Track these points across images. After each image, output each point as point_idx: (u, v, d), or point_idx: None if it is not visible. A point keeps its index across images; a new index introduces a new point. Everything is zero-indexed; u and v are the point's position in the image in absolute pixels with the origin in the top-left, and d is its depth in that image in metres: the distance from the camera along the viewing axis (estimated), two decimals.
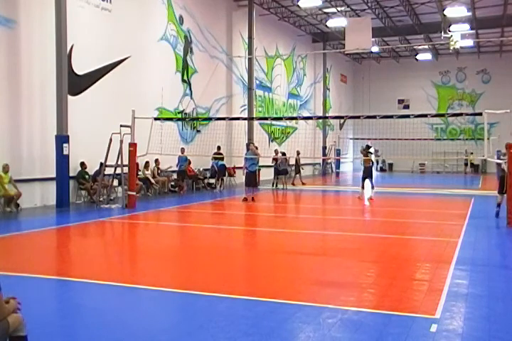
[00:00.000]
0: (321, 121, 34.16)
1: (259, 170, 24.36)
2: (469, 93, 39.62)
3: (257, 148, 17.25)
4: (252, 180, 16.48)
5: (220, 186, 20.36)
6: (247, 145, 19.61)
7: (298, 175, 23.50)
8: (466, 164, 36.76)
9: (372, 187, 17.03)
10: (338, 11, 26.30)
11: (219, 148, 20.60)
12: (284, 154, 21.71)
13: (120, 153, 13.92)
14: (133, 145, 14.11)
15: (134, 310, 5.28)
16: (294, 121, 30.40)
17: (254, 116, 24.26)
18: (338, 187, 24.21)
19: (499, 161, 13.16)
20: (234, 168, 22.45)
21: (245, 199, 15.98)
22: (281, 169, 21.04)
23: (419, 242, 9.47)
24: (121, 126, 13.89)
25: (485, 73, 39.01)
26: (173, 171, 19.12)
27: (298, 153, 23.63)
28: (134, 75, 17.51)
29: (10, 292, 3.53)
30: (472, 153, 29.79)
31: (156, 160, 17.99)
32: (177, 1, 19.98)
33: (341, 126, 38.17)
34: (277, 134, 29.26)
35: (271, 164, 22.31)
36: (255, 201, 16.03)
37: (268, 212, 14.65)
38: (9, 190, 12.73)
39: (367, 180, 16.93)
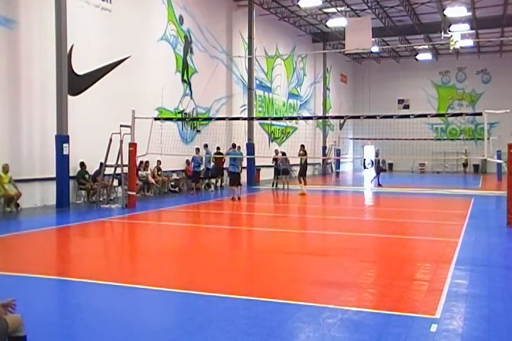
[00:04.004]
0: (321, 121, 34.16)
1: (258, 170, 24.50)
2: (469, 93, 39.59)
3: (235, 147, 17.82)
4: (231, 180, 16.74)
5: (216, 186, 20.43)
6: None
7: (286, 176, 21.23)
8: (465, 164, 36.85)
9: (305, 184, 18.83)
10: (338, 11, 26.29)
11: (218, 148, 20.51)
12: (284, 154, 21.66)
13: (120, 153, 13.93)
14: (133, 145, 14.11)
15: (134, 310, 5.28)
16: (294, 121, 30.40)
17: (254, 116, 24.24)
18: (338, 187, 24.19)
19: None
20: None
21: (233, 199, 16.22)
22: (282, 169, 21.01)
23: (419, 242, 9.47)
24: (121, 126, 13.90)
25: (485, 73, 38.99)
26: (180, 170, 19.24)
27: (283, 154, 21.51)
28: (134, 75, 17.50)
29: (10, 292, 3.53)
30: (466, 153, 29.82)
31: (159, 161, 18.03)
32: (177, 1, 19.97)
33: (341, 126, 38.17)
34: (277, 134, 29.25)
35: (271, 164, 22.28)
36: (235, 200, 16.04)
37: (268, 212, 14.63)
38: (9, 190, 12.72)
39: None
